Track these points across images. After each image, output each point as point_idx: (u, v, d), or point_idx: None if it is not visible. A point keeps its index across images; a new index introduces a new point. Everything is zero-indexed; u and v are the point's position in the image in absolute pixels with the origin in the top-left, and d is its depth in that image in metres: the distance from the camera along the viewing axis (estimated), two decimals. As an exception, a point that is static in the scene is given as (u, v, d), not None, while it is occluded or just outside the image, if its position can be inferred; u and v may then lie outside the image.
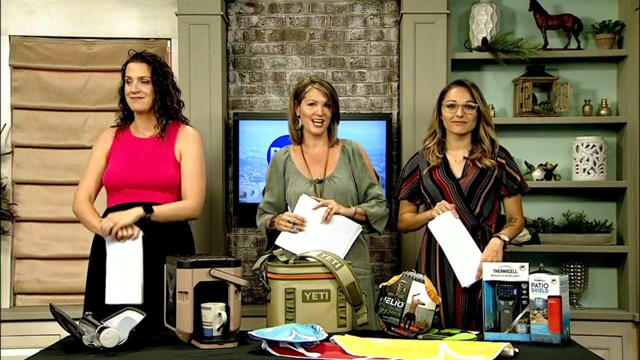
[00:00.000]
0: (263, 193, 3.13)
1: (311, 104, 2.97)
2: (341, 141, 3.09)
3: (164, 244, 2.81)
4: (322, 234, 2.87)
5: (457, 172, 2.94)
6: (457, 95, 2.94)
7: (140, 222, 2.80)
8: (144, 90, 2.92)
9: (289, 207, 3.01)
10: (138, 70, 2.93)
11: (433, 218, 2.87)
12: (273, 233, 2.98)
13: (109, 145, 2.97)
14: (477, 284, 2.80)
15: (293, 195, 2.98)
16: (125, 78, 2.95)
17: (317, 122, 2.97)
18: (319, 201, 2.90)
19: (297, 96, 3.02)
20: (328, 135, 3.05)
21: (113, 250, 2.76)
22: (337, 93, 3.05)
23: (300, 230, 2.87)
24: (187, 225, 3.03)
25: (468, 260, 2.82)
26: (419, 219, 3.00)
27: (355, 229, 2.93)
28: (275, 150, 3.79)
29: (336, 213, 2.89)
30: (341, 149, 3.06)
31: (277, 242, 2.91)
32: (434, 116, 3.01)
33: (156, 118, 2.97)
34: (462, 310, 2.85)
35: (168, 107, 2.98)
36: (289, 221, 2.88)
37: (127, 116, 3.02)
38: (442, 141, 3.00)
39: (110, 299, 2.72)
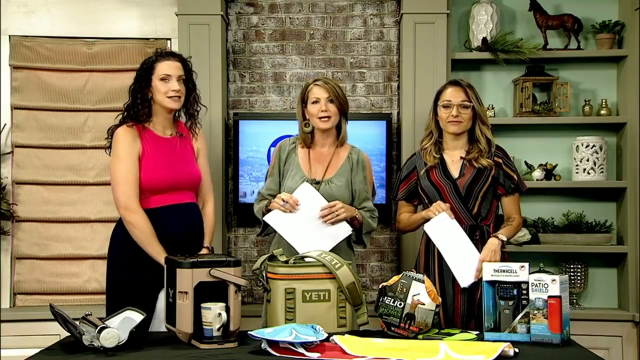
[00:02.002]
0: (266, 178, 3.13)
1: (314, 102, 2.98)
2: (350, 147, 3.08)
3: (178, 246, 2.79)
4: (312, 225, 2.86)
5: (455, 172, 2.94)
6: (452, 95, 2.94)
7: (161, 225, 2.82)
8: (181, 89, 2.88)
9: None
10: (176, 68, 2.87)
11: (429, 218, 2.88)
12: None
13: (138, 146, 2.83)
14: (476, 284, 2.80)
15: (287, 189, 2.97)
16: (161, 76, 2.84)
17: (323, 118, 2.97)
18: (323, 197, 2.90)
19: (304, 99, 3.03)
20: (337, 134, 3.05)
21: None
22: (343, 92, 3.03)
23: (290, 211, 2.87)
24: (201, 227, 3.01)
25: (466, 260, 2.82)
26: (415, 219, 3.00)
27: (346, 231, 2.92)
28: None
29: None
30: (347, 156, 3.05)
31: (266, 218, 2.91)
32: (431, 117, 3.02)
33: (176, 117, 2.96)
34: (461, 310, 2.85)
35: (194, 107, 2.97)
36: (283, 199, 2.87)
37: (143, 115, 2.87)
38: (439, 142, 3.00)
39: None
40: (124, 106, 2.92)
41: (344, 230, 2.92)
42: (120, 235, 2.85)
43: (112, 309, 2.74)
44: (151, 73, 2.86)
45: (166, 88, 2.85)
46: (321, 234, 2.87)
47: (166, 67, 2.86)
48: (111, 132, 2.88)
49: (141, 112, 2.86)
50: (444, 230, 2.84)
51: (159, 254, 2.72)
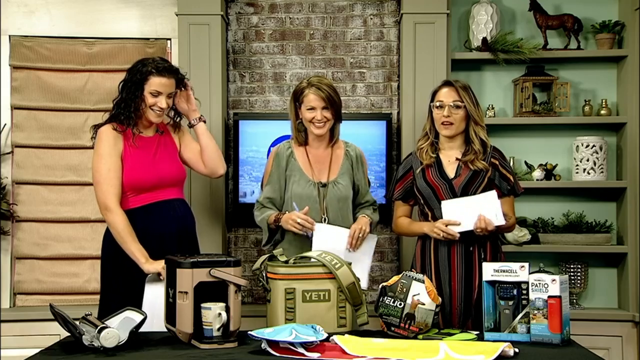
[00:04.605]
0: (261, 186, 3.12)
1: (310, 109, 2.98)
2: (344, 144, 3.09)
3: (170, 245, 2.83)
4: (346, 255, 2.86)
5: (451, 172, 2.93)
6: (445, 95, 2.94)
7: (149, 222, 2.84)
8: (168, 104, 2.93)
9: (290, 204, 2.97)
10: (168, 85, 2.90)
11: (427, 234, 2.89)
12: (275, 229, 2.98)
13: (121, 146, 2.87)
14: (471, 286, 2.82)
15: (295, 196, 2.97)
16: (152, 91, 2.86)
17: (318, 124, 2.98)
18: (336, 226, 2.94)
19: (297, 99, 3.02)
20: (331, 135, 3.06)
21: (153, 287, 2.76)
22: (337, 93, 3.04)
23: (306, 232, 2.87)
24: (194, 227, 3.04)
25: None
26: (414, 230, 3.00)
27: (371, 239, 2.97)
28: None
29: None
30: (345, 153, 3.06)
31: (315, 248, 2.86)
32: (428, 118, 3.02)
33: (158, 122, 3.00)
34: (458, 310, 2.85)
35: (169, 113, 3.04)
36: (298, 222, 2.86)
37: (134, 119, 2.90)
38: (435, 142, 3.00)
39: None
40: (113, 102, 2.95)
41: (369, 239, 2.97)
42: (110, 235, 2.88)
43: (105, 309, 2.77)
44: (144, 82, 2.88)
45: (153, 102, 2.88)
46: (355, 257, 2.87)
47: (158, 84, 2.88)
48: (95, 130, 2.92)
49: (133, 114, 2.88)
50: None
51: (133, 253, 2.77)
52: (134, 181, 2.85)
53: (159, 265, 2.70)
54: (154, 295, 2.70)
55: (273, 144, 3.84)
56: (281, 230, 2.99)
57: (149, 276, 2.76)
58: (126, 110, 2.88)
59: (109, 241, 2.89)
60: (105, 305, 2.86)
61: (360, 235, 2.91)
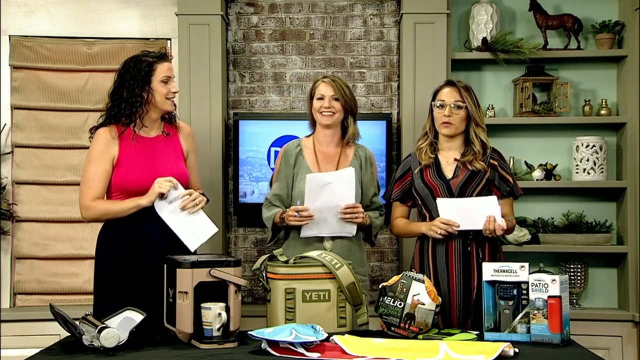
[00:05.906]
0: (270, 184, 3.12)
1: (319, 98, 3.00)
2: (354, 145, 3.10)
3: (166, 245, 2.80)
4: (332, 213, 2.90)
5: (449, 173, 2.93)
6: (447, 95, 2.93)
7: (141, 227, 2.79)
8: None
9: (296, 202, 2.97)
10: (171, 70, 2.87)
11: (425, 234, 2.88)
12: (279, 227, 2.99)
13: (116, 149, 2.80)
14: (470, 286, 2.81)
15: (299, 192, 2.96)
16: (163, 78, 2.81)
17: (325, 113, 2.98)
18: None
19: (311, 94, 3.05)
20: (343, 133, 3.06)
21: (167, 207, 2.75)
22: (351, 90, 3.06)
23: (307, 222, 2.87)
24: None
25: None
26: (412, 231, 2.99)
27: (350, 232, 2.96)
28: (275, 150, 3.79)
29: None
30: (355, 153, 3.07)
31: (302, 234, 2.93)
32: (428, 117, 3.02)
33: (165, 117, 2.93)
34: (457, 311, 2.84)
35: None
36: (295, 216, 2.86)
37: (138, 116, 2.83)
38: (434, 142, 2.99)
39: (193, 245, 2.81)
40: (105, 107, 2.88)
41: (349, 230, 2.96)
42: (104, 235, 2.86)
43: (99, 310, 2.76)
44: (151, 74, 2.82)
45: (166, 89, 2.84)
46: (336, 222, 2.92)
47: (166, 69, 2.85)
48: (94, 131, 2.87)
49: (136, 114, 2.82)
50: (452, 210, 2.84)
51: (130, 208, 2.75)
52: (131, 184, 2.80)
53: (154, 190, 2.72)
54: (169, 211, 2.75)
55: (273, 144, 3.85)
56: (285, 229, 3.01)
57: (155, 204, 2.74)
58: (127, 110, 2.81)
59: (103, 242, 2.86)
60: (99, 306, 2.81)
61: (355, 213, 2.89)
